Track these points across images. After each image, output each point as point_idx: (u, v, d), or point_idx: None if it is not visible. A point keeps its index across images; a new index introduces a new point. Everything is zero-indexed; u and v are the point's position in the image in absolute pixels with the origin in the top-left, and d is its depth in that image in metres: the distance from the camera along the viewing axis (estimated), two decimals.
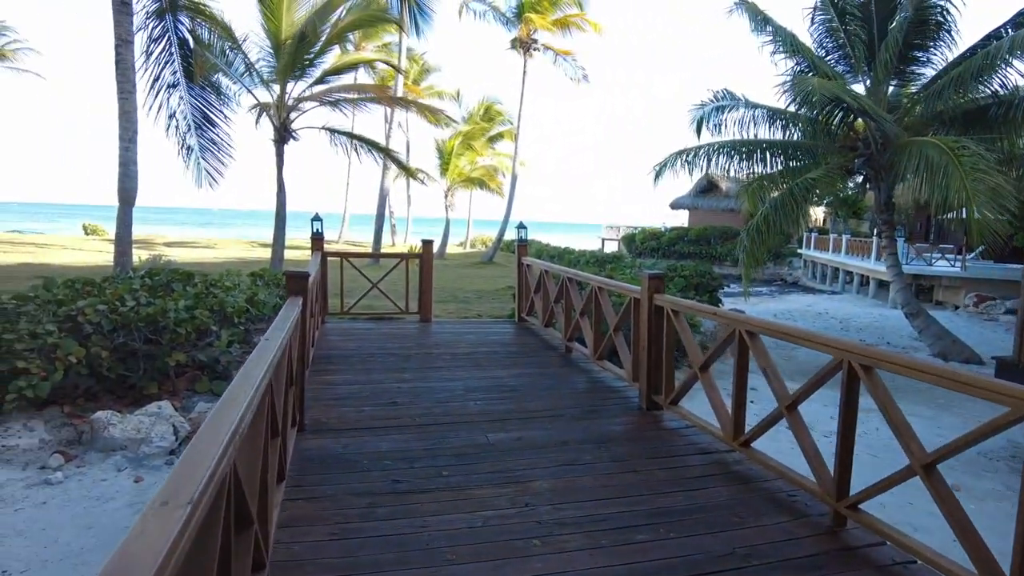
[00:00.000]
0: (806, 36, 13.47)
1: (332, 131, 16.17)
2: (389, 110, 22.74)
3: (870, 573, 2.94)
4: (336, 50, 17.52)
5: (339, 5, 14.77)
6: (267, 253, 17.88)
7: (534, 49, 24.67)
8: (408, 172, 22.21)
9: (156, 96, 11.21)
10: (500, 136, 34.58)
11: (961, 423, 7.80)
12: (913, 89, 13.43)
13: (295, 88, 15.11)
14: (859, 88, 13.10)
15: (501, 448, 4.36)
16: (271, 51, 14.59)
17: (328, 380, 5.99)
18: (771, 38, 13.29)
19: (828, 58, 13.47)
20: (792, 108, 12.61)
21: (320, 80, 15.59)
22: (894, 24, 12.30)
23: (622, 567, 2.91)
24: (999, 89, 11.57)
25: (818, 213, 33.57)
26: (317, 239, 9.11)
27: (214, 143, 12.35)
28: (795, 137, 13.51)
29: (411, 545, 3.04)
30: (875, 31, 12.57)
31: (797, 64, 13.32)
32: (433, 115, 18.90)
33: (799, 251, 30.67)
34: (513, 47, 24.92)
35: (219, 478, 1.57)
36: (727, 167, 13.46)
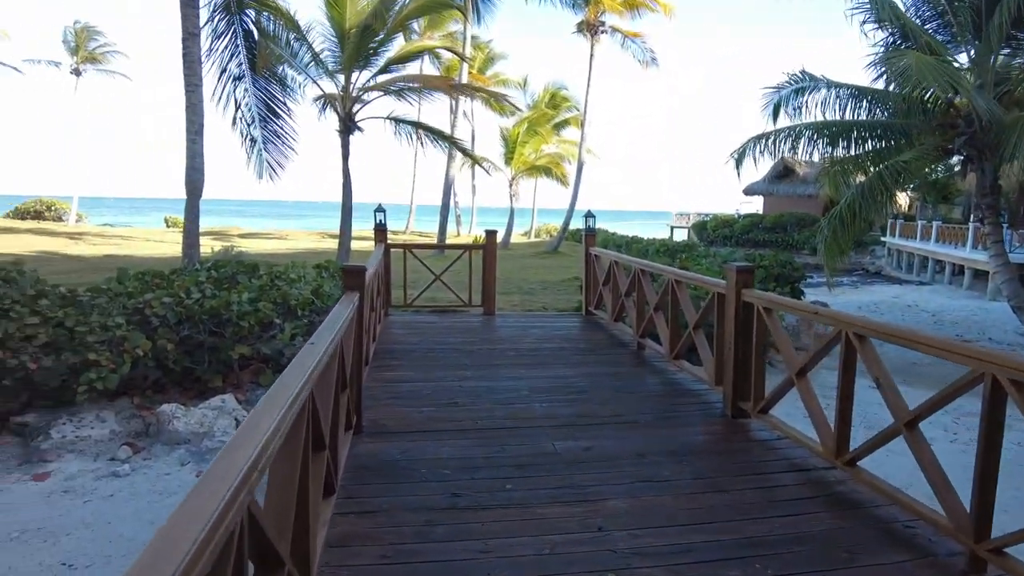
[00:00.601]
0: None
1: (397, 120, 16.09)
2: (454, 101, 22.59)
3: None
4: (400, 39, 17.42)
5: None
6: (337, 244, 18.08)
7: (601, 32, 23.88)
8: (473, 160, 22.14)
9: (223, 88, 11.33)
10: (566, 123, 34.01)
11: None
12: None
13: (360, 78, 15.09)
14: (963, 58, 11.94)
15: (569, 459, 3.99)
16: (336, 40, 14.58)
17: (389, 377, 5.80)
18: (858, 5, 12.24)
19: (927, 27, 12.31)
20: (882, 86, 11.59)
21: (384, 69, 15.52)
22: None
23: None
24: None
25: (902, 199, 31.48)
26: (380, 230, 9.03)
27: (277, 135, 12.44)
28: (883, 116, 12.46)
29: (471, 574, 2.72)
30: None
31: (890, 35, 12.23)
32: (497, 102, 18.59)
33: (882, 239, 28.95)
34: (579, 31, 24.21)
35: (225, 529, 1.26)
36: (809, 152, 12.56)
